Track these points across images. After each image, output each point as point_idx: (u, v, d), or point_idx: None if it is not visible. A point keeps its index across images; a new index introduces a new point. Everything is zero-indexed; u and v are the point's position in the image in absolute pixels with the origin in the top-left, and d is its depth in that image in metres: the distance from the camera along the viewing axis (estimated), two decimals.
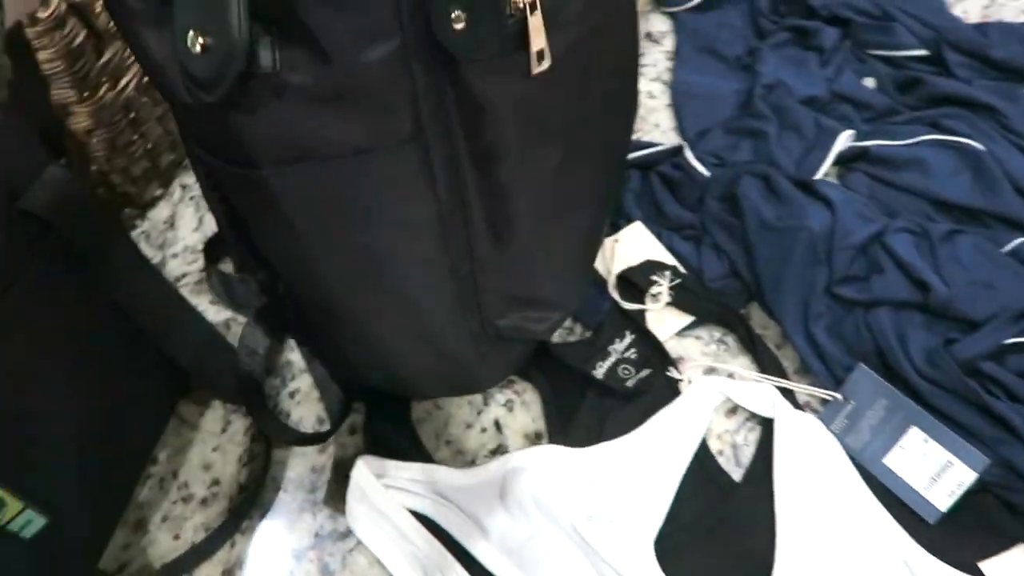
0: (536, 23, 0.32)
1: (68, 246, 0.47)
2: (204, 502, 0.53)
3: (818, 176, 0.67)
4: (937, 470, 0.49)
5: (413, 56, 0.32)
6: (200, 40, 0.30)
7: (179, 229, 0.69)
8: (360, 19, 0.30)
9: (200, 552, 0.50)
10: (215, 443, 0.56)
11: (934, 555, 0.47)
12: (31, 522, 0.44)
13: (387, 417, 0.55)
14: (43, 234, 0.45)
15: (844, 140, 0.68)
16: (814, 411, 0.55)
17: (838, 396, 0.53)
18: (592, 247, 0.53)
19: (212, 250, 0.64)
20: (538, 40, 0.33)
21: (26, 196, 0.45)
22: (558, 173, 0.40)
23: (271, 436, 0.54)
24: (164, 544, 0.52)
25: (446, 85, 0.34)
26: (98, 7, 0.58)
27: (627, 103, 0.48)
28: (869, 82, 0.74)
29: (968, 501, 0.49)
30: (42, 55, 0.55)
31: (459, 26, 0.31)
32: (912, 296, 0.53)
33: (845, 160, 0.69)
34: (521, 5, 0.31)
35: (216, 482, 0.54)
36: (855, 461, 0.51)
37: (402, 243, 0.39)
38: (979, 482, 0.49)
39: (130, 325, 0.51)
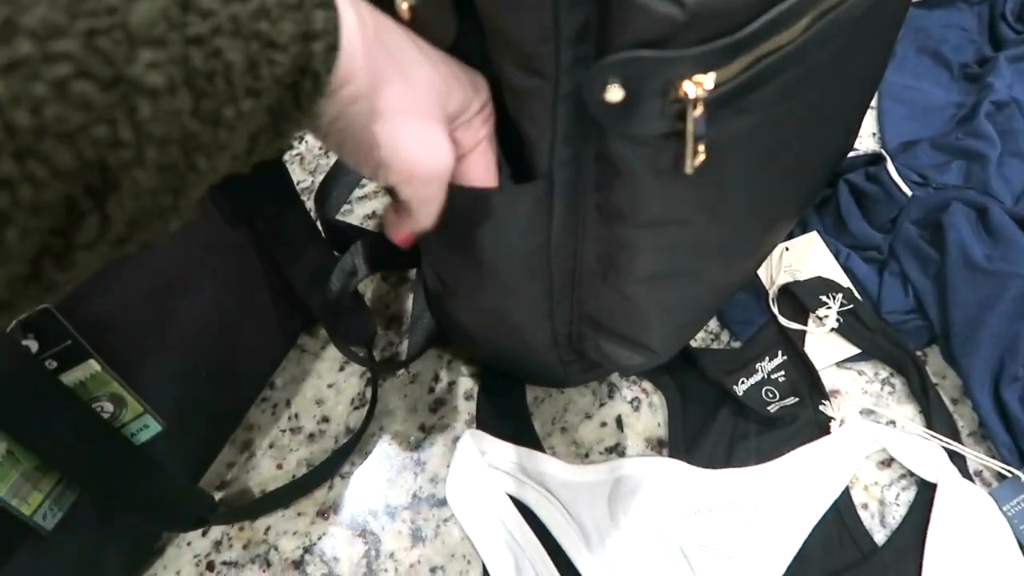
0: (698, 115, 0.27)
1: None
2: (311, 437, 0.53)
3: None
4: None
5: (560, 100, 0.29)
6: None
7: (332, 156, 0.69)
8: (518, 44, 0.28)
9: (299, 488, 0.50)
10: (331, 380, 0.55)
11: None
12: (147, 427, 0.44)
13: (501, 391, 0.52)
14: None
15: None
16: (985, 485, 0.47)
17: (1020, 474, 0.46)
18: (723, 299, 0.49)
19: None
20: (692, 141, 0.28)
21: None
22: (700, 239, 0.36)
23: (343, 352, 0.53)
24: (266, 471, 0.51)
25: (589, 137, 0.31)
26: None
27: (838, 144, 0.43)
28: None
29: None
30: None
31: (613, 98, 0.27)
32: None
33: None
34: (683, 94, 0.27)
35: (325, 419, 0.53)
36: None
37: (510, 258, 0.38)
38: None
39: (266, 252, 0.51)
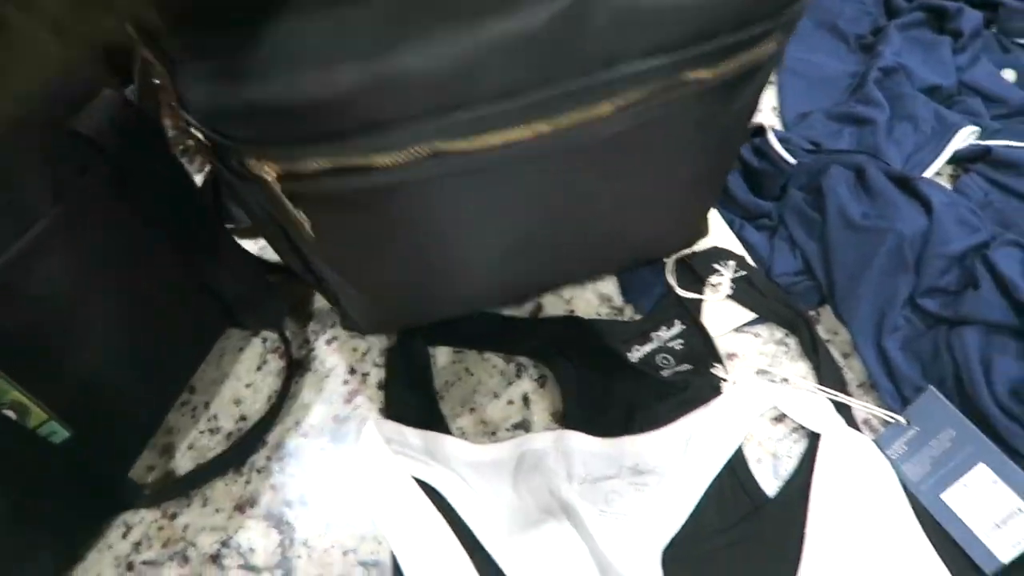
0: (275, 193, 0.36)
1: (119, 169, 0.47)
2: (229, 436, 0.54)
3: (929, 175, 0.60)
4: (1003, 516, 0.43)
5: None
6: None
7: None
8: None
9: (221, 464, 0.52)
10: (249, 380, 0.57)
11: None
12: (55, 433, 0.46)
13: (407, 376, 0.54)
14: (94, 156, 0.46)
15: (964, 137, 0.60)
16: (874, 432, 0.49)
17: (901, 419, 0.47)
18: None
19: None
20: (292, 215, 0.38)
21: (78, 117, 0.46)
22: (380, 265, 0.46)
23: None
24: (185, 471, 0.53)
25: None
26: None
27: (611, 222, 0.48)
28: (1008, 75, 0.65)
29: None
30: None
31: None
32: (1007, 319, 0.46)
33: (964, 159, 0.61)
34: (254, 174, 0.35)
35: (244, 418, 0.55)
36: (910, 492, 0.46)
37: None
38: None
39: (177, 255, 0.52)
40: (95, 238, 0.46)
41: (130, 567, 0.49)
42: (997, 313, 0.47)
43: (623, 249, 0.53)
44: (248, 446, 0.53)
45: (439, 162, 0.34)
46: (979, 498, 0.44)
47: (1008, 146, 0.59)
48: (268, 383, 0.56)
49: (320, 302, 0.60)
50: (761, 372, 0.52)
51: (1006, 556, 0.43)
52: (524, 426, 0.52)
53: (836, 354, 0.53)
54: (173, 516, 0.51)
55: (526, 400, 0.53)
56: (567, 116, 0.34)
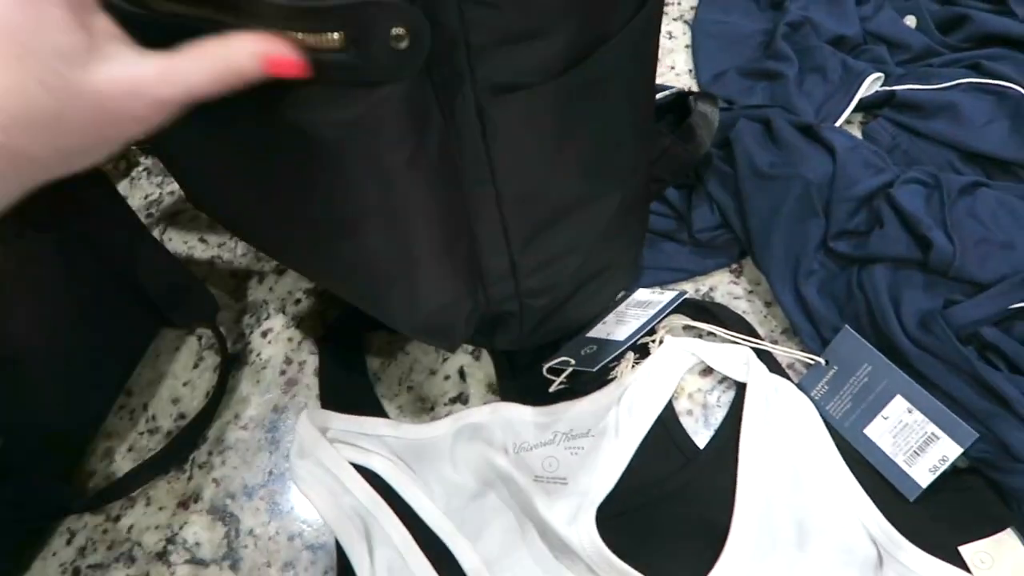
0: None
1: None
2: (168, 435, 0.54)
3: (839, 122, 0.61)
4: (920, 443, 0.45)
5: None
6: None
7: None
8: None
9: (158, 464, 0.52)
10: (186, 378, 0.57)
11: (910, 536, 0.43)
12: None
13: (341, 363, 0.54)
14: None
15: (869, 83, 0.61)
16: (798, 375, 0.51)
17: (820, 360, 0.49)
18: None
19: None
20: None
21: None
22: None
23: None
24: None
25: None
26: None
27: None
28: (910, 20, 0.67)
29: (952, 480, 0.44)
30: None
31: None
32: (912, 253, 0.48)
33: (871, 106, 0.63)
34: None
35: (183, 416, 0.55)
36: (834, 430, 0.47)
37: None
38: (966, 459, 0.44)
39: (106, 259, 0.52)
40: (15, 247, 0.46)
41: (76, 573, 0.49)
42: (902, 248, 0.48)
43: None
44: (188, 443, 0.53)
45: None
46: (897, 428, 0.46)
47: (911, 89, 0.60)
48: (206, 379, 0.56)
49: (253, 294, 0.60)
50: (687, 328, 0.53)
51: (925, 481, 0.44)
52: (461, 399, 0.53)
53: (759, 303, 0.54)
54: (117, 518, 0.51)
55: (462, 374, 0.54)
56: None
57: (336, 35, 0.28)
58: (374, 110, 0.31)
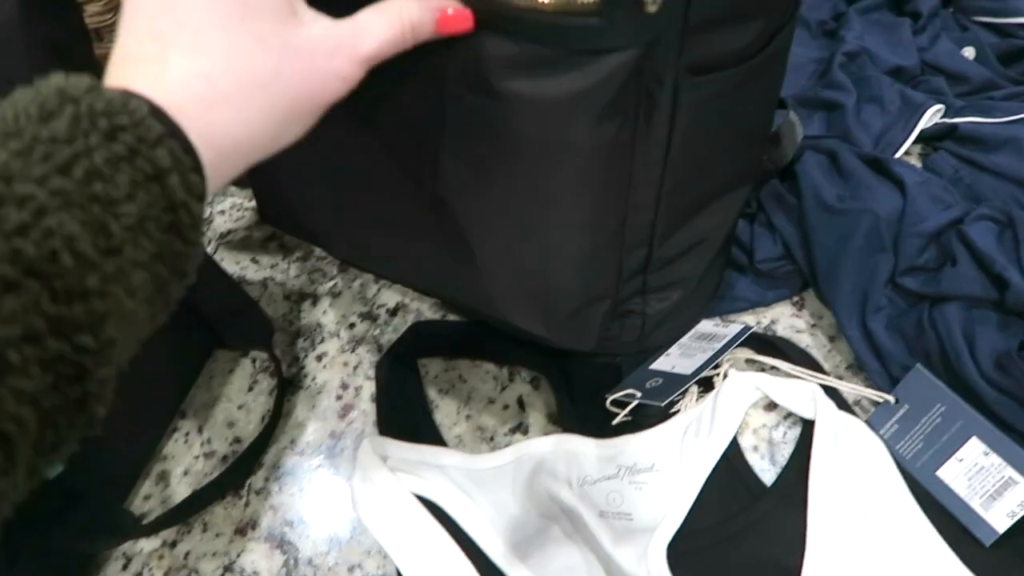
0: None
1: None
2: (224, 459, 0.54)
3: (899, 154, 0.61)
4: (997, 487, 0.44)
5: None
6: None
7: (230, 185, 0.70)
8: None
9: (216, 487, 0.51)
10: (241, 401, 0.56)
11: None
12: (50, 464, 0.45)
13: (399, 389, 0.54)
14: None
15: (930, 115, 0.61)
16: (865, 413, 0.50)
17: (890, 398, 0.48)
18: None
19: None
20: None
21: None
22: None
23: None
24: (182, 497, 0.52)
25: None
26: None
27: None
28: (968, 52, 0.66)
29: None
30: None
31: None
32: (987, 293, 0.47)
33: (931, 138, 0.62)
34: None
35: (238, 440, 0.54)
36: (905, 471, 0.47)
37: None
38: None
39: None
40: None
41: None
42: (976, 287, 0.48)
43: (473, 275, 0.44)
44: (245, 468, 0.52)
45: None
46: (973, 471, 0.45)
47: (973, 122, 0.60)
48: (261, 403, 0.56)
49: (307, 317, 0.60)
50: (751, 361, 0.53)
51: (1002, 526, 0.44)
52: (521, 429, 0.52)
53: (823, 337, 0.54)
54: (173, 544, 0.50)
55: (521, 403, 0.53)
56: None
57: None
58: (606, 80, 0.31)
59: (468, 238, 0.41)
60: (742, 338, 0.51)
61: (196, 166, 0.24)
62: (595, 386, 0.52)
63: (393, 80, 0.32)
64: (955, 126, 0.60)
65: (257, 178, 0.52)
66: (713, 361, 0.50)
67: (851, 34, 0.67)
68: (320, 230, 0.52)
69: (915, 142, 0.62)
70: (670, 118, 0.36)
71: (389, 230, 0.46)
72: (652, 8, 0.29)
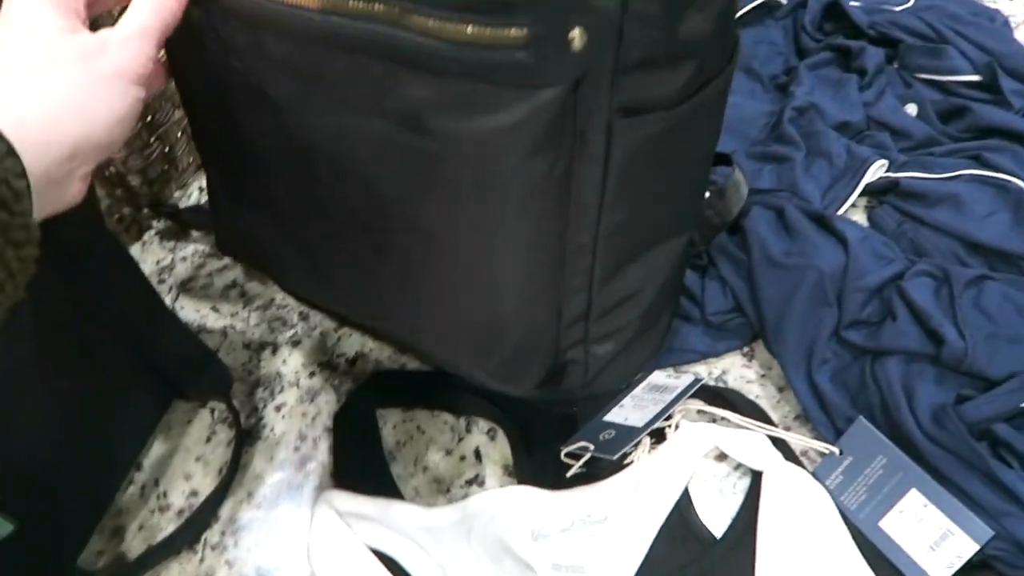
0: None
1: (52, 244, 0.47)
2: (180, 513, 0.54)
3: (845, 207, 0.63)
4: (936, 538, 0.45)
5: None
6: None
7: (192, 232, 0.70)
8: None
9: (168, 547, 0.51)
10: (199, 453, 0.56)
11: None
12: None
13: (356, 441, 0.54)
14: None
15: (874, 170, 0.63)
16: (812, 463, 0.51)
17: (835, 450, 0.50)
18: None
19: None
20: None
21: None
22: None
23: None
24: (137, 553, 0.52)
25: None
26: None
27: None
28: (911, 109, 0.69)
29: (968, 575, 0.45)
30: None
31: None
32: (924, 348, 0.49)
33: (876, 192, 0.65)
34: None
35: (194, 493, 0.54)
36: (849, 521, 0.48)
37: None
38: (981, 555, 0.45)
39: (119, 330, 0.52)
40: (30, 321, 0.46)
41: None
42: (914, 342, 0.50)
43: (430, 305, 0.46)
44: (201, 522, 0.52)
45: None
46: (913, 522, 0.46)
47: (914, 177, 0.62)
48: (219, 455, 0.56)
49: (266, 367, 0.60)
50: (701, 412, 0.54)
51: None
52: (477, 481, 0.53)
53: (772, 388, 0.55)
54: None
55: (478, 454, 0.54)
56: None
57: (520, 31, 0.29)
58: (534, 115, 0.31)
59: (412, 277, 0.42)
60: (693, 390, 0.52)
61: (10, 150, 0.28)
62: (550, 437, 0.53)
63: (334, 116, 0.34)
64: (897, 181, 0.62)
65: (216, 206, 0.52)
66: (665, 413, 0.51)
67: (801, 89, 0.70)
68: (275, 262, 0.52)
69: (861, 195, 0.64)
70: (604, 158, 0.36)
71: (340, 268, 0.48)
72: (578, 45, 0.29)
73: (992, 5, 0.80)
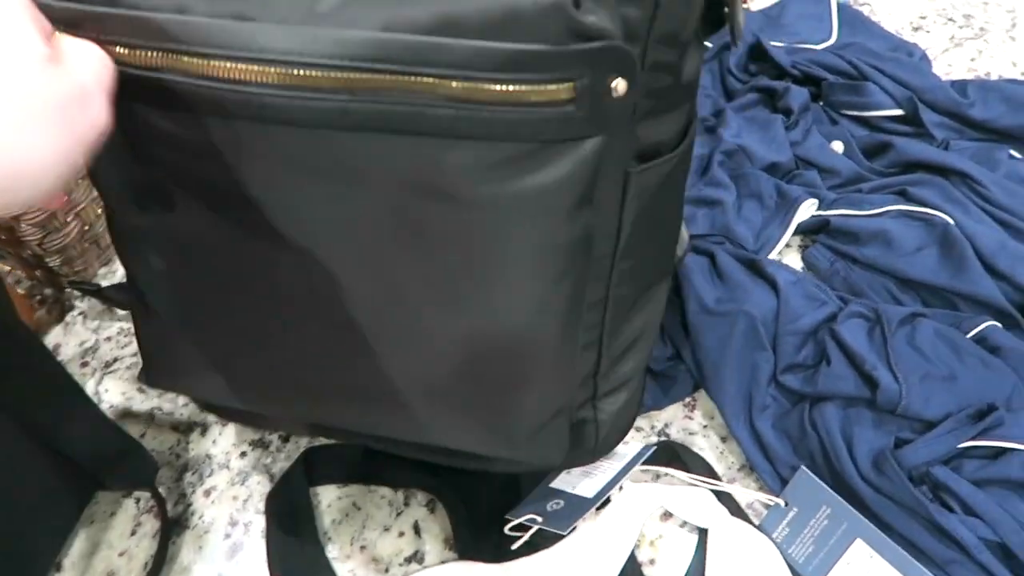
0: None
1: None
2: None
3: (778, 247, 0.63)
4: None
5: None
6: None
7: (116, 311, 0.68)
8: None
9: None
10: (123, 547, 0.53)
11: None
12: None
13: (290, 524, 0.52)
14: None
15: (805, 209, 0.64)
16: (757, 515, 0.50)
17: (780, 501, 0.49)
18: None
19: None
20: None
21: None
22: None
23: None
24: None
25: None
26: None
27: None
28: (837, 146, 0.70)
29: None
30: None
31: None
32: (860, 391, 0.49)
33: (809, 231, 0.65)
34: None
35: None
36: (798, 574, 0.47)
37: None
38: None
39: (29, 425, 0.49)
40: None
41: None
42: (849, 386, 0.49)
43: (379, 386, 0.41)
44: None
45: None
46: (860, 574, 0.45)
47: (844, 215, 0.62)
48: (144, 548, 0.53)
49: (195, 449, 0.58)
50: (645, 470, 0.53)
51: None
52: (417, 558, 0.51)
53: (715, 438, 0.54)
54: None
55: (417, 529, 0.52)
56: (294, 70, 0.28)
57: (566, 85, 0.28)
58: (579, 167, 0.30)
59: (415, 359, 0.39)
60: (644, 457, 0.51)
61: None
62: (492, 503, 0.51)
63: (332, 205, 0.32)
64: (828, 220, 0.62)
65: (144, 333, 0.48)
66: (616, 482, 0.50)
67: (728, 132, 0.70)
68: (219, 380, 0.47)
69: (794, 234, 0.64)
70: (619, 207, 0.36)
71: (326, 373, 0.43)
72: (620, 92, 0.29)
73: (910, 39, 0.82)
